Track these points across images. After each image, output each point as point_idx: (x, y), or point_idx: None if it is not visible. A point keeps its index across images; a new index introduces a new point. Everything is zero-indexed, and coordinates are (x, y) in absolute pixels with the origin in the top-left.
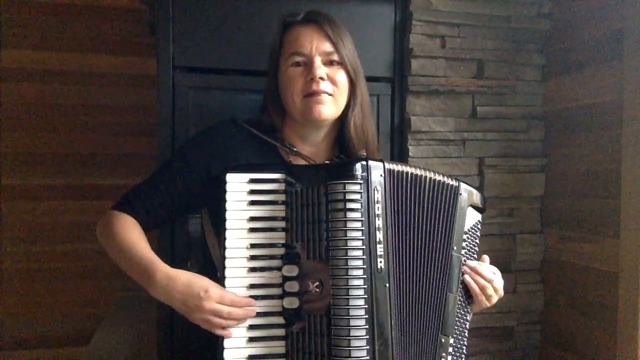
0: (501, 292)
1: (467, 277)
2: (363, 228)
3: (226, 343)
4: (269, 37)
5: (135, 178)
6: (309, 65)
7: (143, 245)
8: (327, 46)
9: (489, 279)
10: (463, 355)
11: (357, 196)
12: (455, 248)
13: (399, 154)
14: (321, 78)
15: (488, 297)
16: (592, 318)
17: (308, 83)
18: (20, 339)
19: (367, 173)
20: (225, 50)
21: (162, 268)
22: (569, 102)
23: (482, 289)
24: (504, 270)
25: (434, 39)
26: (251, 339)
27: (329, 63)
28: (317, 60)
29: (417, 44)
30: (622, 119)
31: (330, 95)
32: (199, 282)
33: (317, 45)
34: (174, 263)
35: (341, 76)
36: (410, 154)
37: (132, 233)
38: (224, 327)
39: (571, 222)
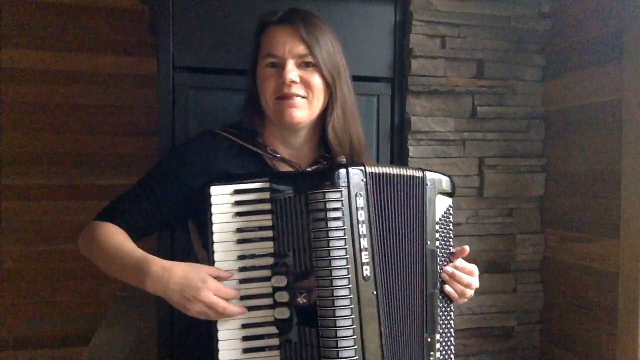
0: (477, 285)
1: (446, 287)
2: (346, 237)
3: (221, 354)
4: None
5: (135, 178)
6: (281, 67)
7: (131, 246)
8: (301, 48)
9: (467, 283)
10: (452, 348)
11: (338, 204)
12: (429, 242)
13: (399, 154)
14: (293, 81)
15: (466, 297)
16: (592, 318)
17: (280, 85)
18: (20, 339)
19: (348, 179)
20: (225, 50)
21: (157, 261)
22: (569, 102)
23: (461, 295)
24: (504, 270)
25: (434, 39)
26: (246, 350)
27: (303, 65)
28: (290, 64)
29: (417, 44)
30: (622, 119)
31: (303, 97)
32: (197, 272)
33: (290, 48)
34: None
35: (316, 79)
36: (410, 154)
37: (117, 236)
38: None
39: (571, 222)
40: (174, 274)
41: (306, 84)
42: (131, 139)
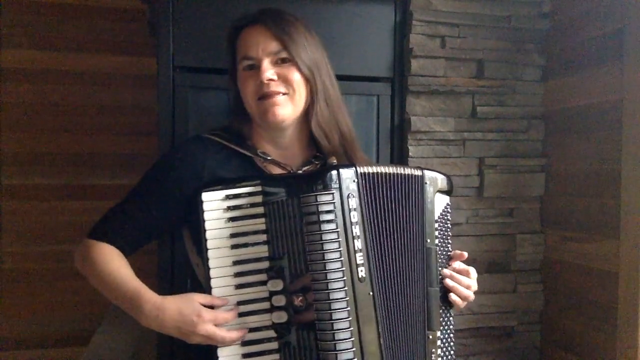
0: (475, 287)
1: (451, 294)
2: (340, 239)
3: None
4: None
5: (135, 178)
6: (258, 68)
7: (126, 274)
8: (274, 45)
9: (466, 285)
10: (452, 347)
11: (331, 207)
12: (429, 240)
13: (399, 154)
14: (271, 80)
15: (468, 300)
16: (592, 318)
17: (259, 85)
18: (20, 339)
19: (339, 181)
20: (225, 50)
21: (150, 298)
22: (569, 102)
23: (464, 299)
24: (504, 270)
25: (434, 39)
26: (245, 355)
27: (279, 62)
28: (265, 62)
29: (417, 44)
30: (622, 119)
31: (284, 94)
32: (190, 307)
33: (264, 47)
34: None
35: (294, 74)
36: (410, 154)
37: (113, 262)
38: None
39: (571, 222)
40: (167, 313)
41: (285, 80)
42: (131, 139)
